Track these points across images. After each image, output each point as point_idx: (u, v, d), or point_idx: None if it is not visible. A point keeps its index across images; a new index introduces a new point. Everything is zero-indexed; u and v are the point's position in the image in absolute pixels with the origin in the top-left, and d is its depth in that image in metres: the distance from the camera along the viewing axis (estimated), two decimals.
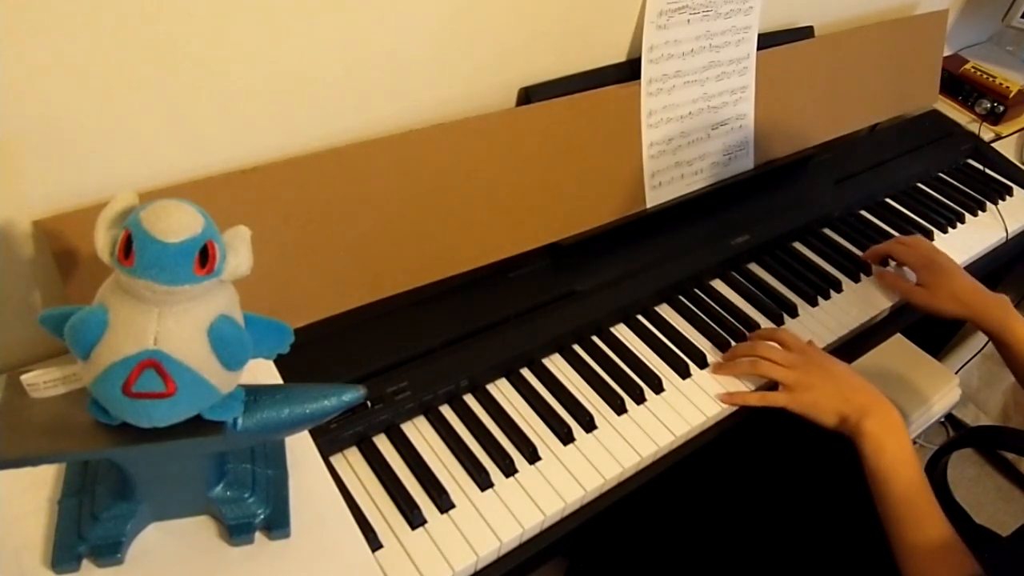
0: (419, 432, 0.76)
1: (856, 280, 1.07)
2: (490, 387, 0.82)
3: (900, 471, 0.73)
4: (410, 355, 0.79)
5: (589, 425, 0.80)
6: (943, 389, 1.37)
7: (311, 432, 0.67)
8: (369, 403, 0.74)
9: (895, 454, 0.74)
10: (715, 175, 1.09)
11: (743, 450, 1.00)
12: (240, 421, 0.51)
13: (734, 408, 0.85)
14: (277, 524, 0.59)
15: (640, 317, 0.94)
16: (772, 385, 0.85)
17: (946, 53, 1.49)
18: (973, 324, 0.97)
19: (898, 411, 0.78)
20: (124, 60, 0.61)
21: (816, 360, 0.84)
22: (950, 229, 1.21)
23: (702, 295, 0.99)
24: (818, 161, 1.21)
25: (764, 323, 0.96)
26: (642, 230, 1.00)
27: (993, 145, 1.42)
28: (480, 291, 0.87)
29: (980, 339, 1.75)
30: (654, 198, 1.01)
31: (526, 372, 0.84)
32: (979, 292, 0.96)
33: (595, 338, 0.90)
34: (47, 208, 0.63)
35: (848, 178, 1.23)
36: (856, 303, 1.03)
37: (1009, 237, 1.23)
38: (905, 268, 1.06)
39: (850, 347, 1.01)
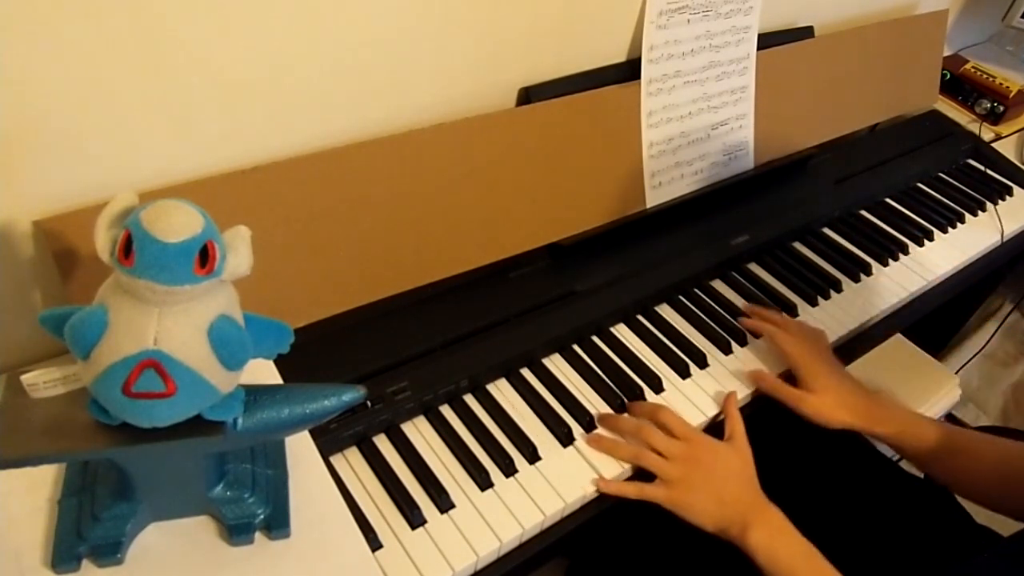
0: (419, 432, 0.76)
1: (856, 280, 1.07)
2: (490, 387, 0.82)
3: (803, 568, 0.71)
4: (410, 355, 0.79)
5: (589, 425, 0.80)
6: (943, 389, 1.37)
7: (311, 432, 0.67)
8: (369, 403, 0.74)
9: (789, 553, 0.71)
10: (715, 175, 1.09)
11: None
12: (240, 421, 0.51)
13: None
14: (277, 524, 0.59)
15: (640, 317, 0.94)
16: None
17: (946, 53, 1.49)
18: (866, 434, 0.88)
19: (779, 510, 0.74)
20: (124, 60, 0.61)
21: (700, 454, 0.77)
22: (950, 229, 1.21)
23: (702, 295, 0.99)
24: (818, 161, 1.21)
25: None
26: (642, 230, 1.00)
27: (993, 145, 1.42)
28: (480, 291, 0.87)
29: (980, 339, 1.75)
30: (654, 198, 1.01)
31: (526, 372, 0.84)
32: (870, 405, 0.86)
33: (595, 338, 0.90)
34: (47, 208, 0.63)
35: (848, 178, 1.23)
36: (856, 303, 1.03)
37: (1006, 239, 1.23)
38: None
39: (850, 347, 1.01)
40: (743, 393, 0.87)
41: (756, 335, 0.94)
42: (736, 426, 0.81)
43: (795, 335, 0.89)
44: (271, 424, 0.53)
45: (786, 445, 1.01)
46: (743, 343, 0.93)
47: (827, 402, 0.84)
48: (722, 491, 0.75)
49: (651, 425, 0.79)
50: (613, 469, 0.76)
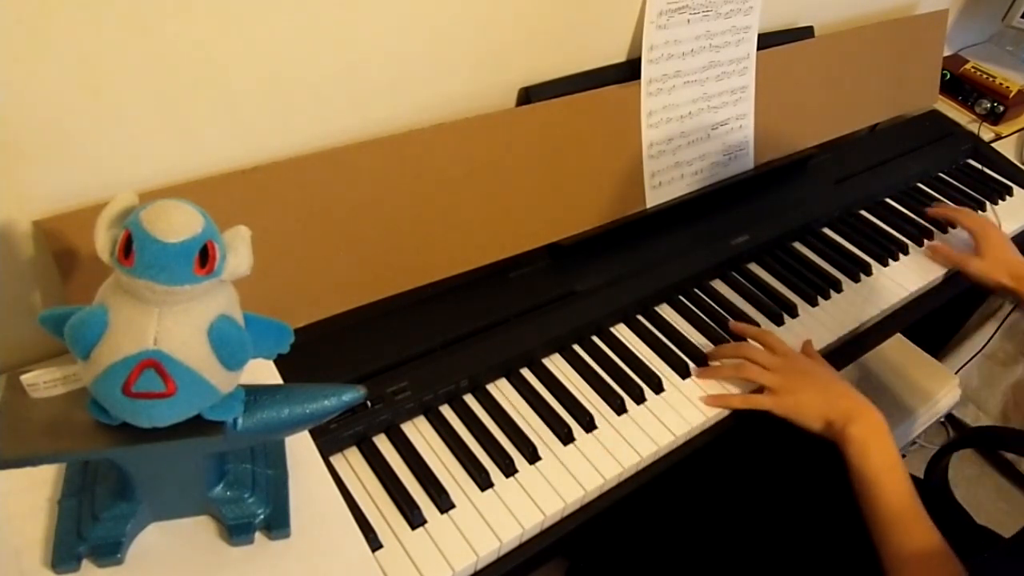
0: (419, 432, 0.76)
1: (856, 280, 1.07)
2: (490, 387, 0.82)
3: (886, 476, 0.73)
4: (410, 355, 0.79)
5: (589, 425, 0.80)
6: (943, 389, 1.37)
7: (311, 432, 0.67)
8: (369, 403, 0.74)
9: (881, 458, 0.74)
10: (715, 175, 1.09)
11: (743, 450, 1.00)
12: (240, 421, 0.51)
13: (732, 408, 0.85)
14: (277, 524, 0.59)
15: (640, 317, 0.94)
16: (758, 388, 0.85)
17: (946, 53, 1.49)
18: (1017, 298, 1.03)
19: (882, 416, 0.77)
20: (124, 60, 0.61)
21: (801, 364, 0.84)
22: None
23: (702, 295, 0.99)
24: (818, 161, 1.21)
25: (764, 323, 0.96)
26: (642, 230, 1.00)
27: (993, 145, 1.42)
28: (480, 291, 0.87)
29: (980, 339, 1.75)
30: (654, 198, 1.01)
31: (526, 372, 0.84)
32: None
33: (595, 338, 0.90)
34: (47, 208, 0.63)
35: (848, 178, 1.23)
36: (856, 303, 1.03)
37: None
38: (960, 236, 1.15)
39: (850, 347, 1.01)
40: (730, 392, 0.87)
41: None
42: (816, 355, 0.88)
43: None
44: (271, 424, 0.53)
45: (786, 446, 1.01)
46: (734, 332, 0.93)
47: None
48: (827, 389, 0.80)
49: (750, 344, 0.87)
50: (614, 467, 0.76)
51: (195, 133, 0.68)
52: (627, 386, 0.84)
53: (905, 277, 1.09)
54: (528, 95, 0.89)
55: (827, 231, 1.15)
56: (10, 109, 0.58)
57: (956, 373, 1.45)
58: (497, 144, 0.85)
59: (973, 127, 1.44)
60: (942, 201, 1.26)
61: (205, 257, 0.45)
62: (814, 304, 1.02)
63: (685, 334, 0.92)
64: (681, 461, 0.82)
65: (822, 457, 0.99)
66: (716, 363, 0.88)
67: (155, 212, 0.44)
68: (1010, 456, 1.85)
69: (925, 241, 1.15)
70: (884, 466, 0.73)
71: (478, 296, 0.86)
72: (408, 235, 0.81)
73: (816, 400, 0.79)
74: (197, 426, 0.50)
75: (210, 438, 0.51)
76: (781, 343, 0.87)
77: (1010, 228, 1.24)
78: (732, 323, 0.93)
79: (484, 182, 0.85)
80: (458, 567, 0.66)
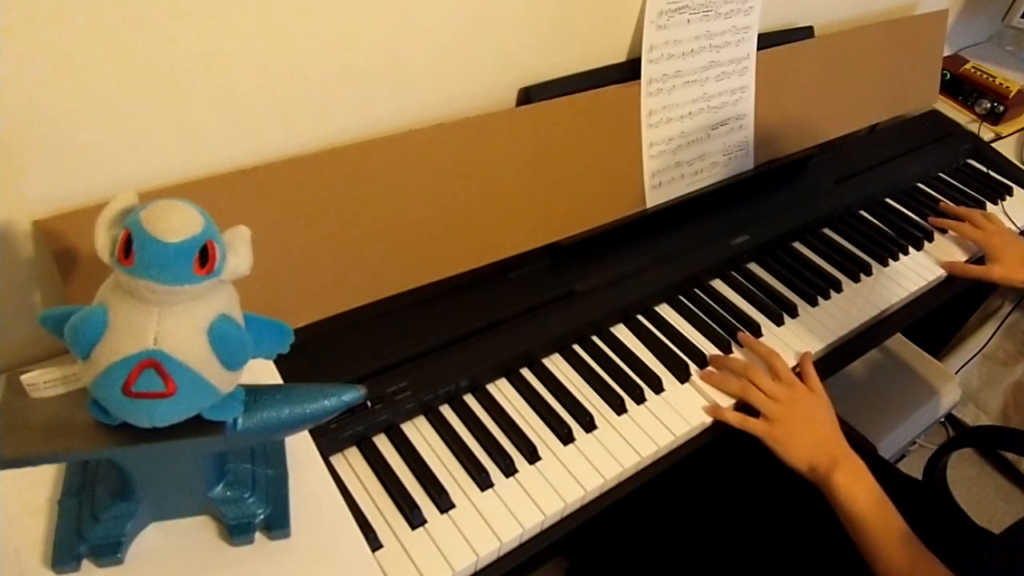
0: (419, 432, 0.76)
1: (856, 280, 1.07)
2: (490, 387, 0.82)
3: (874, 512, 0.76)
4: (410, 355, 0.79)
5: (589, 425, 0.80)
6: (943, 389, 1.37)
7: (311, 432, 0.67)
8: (369, 403, 0.74)
9: (867, 498, 0.77)
10: (715, 175, 1.09)
11: (743, 450, 1.00)
12: (240, 421, 0.51)
13: (734, 408, 0.85)
14: (277, 524, 0.59)
15: (640, 317, 0.94)
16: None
17: (946, 53, 1.49)
18: None
19: (861, 461, 0.80)
20: (124, 60, 0.61)
21: (801, 400, 0.85)
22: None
23: (702, 295, 0.99)
24: (818, 161, 1.21)
25: (764, 323, 0.96)
26: (642, 230, 1.00)
27: (993, 145, 1.42)
28: (480, 291, 0.87)
29: (980, 339, 1.75)
30: (654, 198, 1.01)
31: (526, 372, 0.84)
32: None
33: (595, 338, 0.90)
34: (47, 208, 0.63)
35: (848, 178, 1.23)
36: (856, 303, 1.03)
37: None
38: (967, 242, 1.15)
39: (850, 347, 1.01)
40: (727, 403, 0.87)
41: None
42: (816, 383, 0.88)
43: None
44: (271, 424, 0.53)
45: None
46: (742, 344, 0.93)
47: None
48: (817, 434, 0.82)
49: (757, 365, 0.87)
50: (614, 467, 0.76)
51: (195, 133, 0.68)
52: (627, 386, 0.84)
53: (905, 277, 1.09)
54: (528, 95, 0.89)
55: (827, 231, 1.15)
56: (10, 109, 0.58)
57: (956, 373, 1.45)
58: (497, 144, 0.85)
59: (973, 127, 1.44)
60: (943, 200, 1.26)
61: (205, 257, 0.45)
62: (814, 304, 1.02)
63: (685, 334, 0.92)
64: (681, 461, 0.82)
65: None
66: (721, 373, 0.88)
67: (155, 212, 0.44)
68: (1010, 456, 1.85)
69: (938, 258, 1.14)
70: (870, 503, 0.76)
71: (478, 296, 0.86)
72: (408, 235, 0.81)
73: (805, 442, 0.81)
74: (197, 426, 0.50)
75: (210, 438, 0.51)
76: (787, 371, 0.87)
77: (1010, 228, 1.24)
78: (742, 335, 0.93)
79: (484, 182, 0.85)
80: (458, 567, 0.66)
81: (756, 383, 0.85)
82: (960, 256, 1.15)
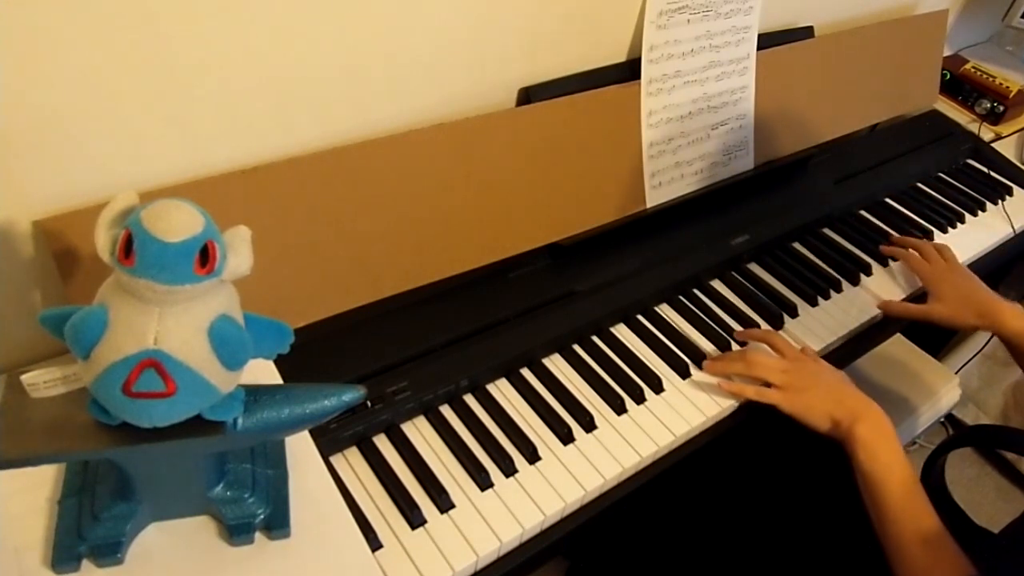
0: (419, 432, 0.76)
1: (856, 281, 1.07)
2: (490, 387, 0.82)
3: (894, 474, 0.74)
4: (410, 355, 0.79)
5: (589, 425, 0.80)
6: (943, 389, 1.37)
7: (311, 432, 0.67)
8: (369, 403, 0.74)
9: (888, 457, 0.75)
10: (715, 175, 1.09)
11: (743, 450, 1.00)
12: (240, 421, 0.51)
13: (734, 408, 0.85)
14: (277, 524, 0.59)
15: (640, 317, 0.94)
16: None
17: (946, 53, 1.49)
18: (993, 333, 0.98)
19: (887, 417, 0.79)
20: (124, 60, 0.61)
21: (809, 365, 0.85)
22: (950, 229, 1.21)
23: (702, 295, 0.99)
24: (818, 161, 1.21)
25: (764, 324, 0.96)
26: (642, 230, 1.00)
27: (993, 145, 1.42)
28: (480, 291, 0.87)
29: (980, 339, 1.75)
30: (654, 198, 1.01)
31: (526, 372, 0.84)
32: (995, 302, 0.96)
33: (595, 338, 0.90)
34: (47, 208, 0.63)
35: (848, 178, 1.23)
36: (856, 303, 1.03)
37: (1011, 235, 1.23)
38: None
39: (850, 347, 1.01)
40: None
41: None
42: (818, 358, 0.88)
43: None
44: (271, 424, 0.53)
45: (786, 446, 1.01)
46: (742, 344, 0.93)
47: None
48: (834, 390, 0.82)
49: (756, 348, 0.88)
50: (614, 467, 0.76)
51: (195, 133, 0.68)
52: (627, 386, 0.84)
53: (905, 277, 1.09)
54: (528, 95, 0.89)
55: (827, 231, 1.15)
56: (10, 109, 0.58)
57: (956, 373, 1.44)
58: (497, 144, 0.85)
59: (973, 127, 1.44)
60: (942, 199, 1.26)
61: (205, 257, 0.45)
62: (814, 304, 1.02)
63: (685, 334, 0.92)
64: (681, 461, 0.82)
65: (822, 457, 1.00)
66: (724, 356, 0.88)
67: (155, 212, 0.44)
68: (1010, 456, 1.85)
69: (883, 304, 1.03)
70: (891, 463, 0.75)
71: (478, 296, 0.86)
72: (408, 235, 0.81)
73: (824, 399, 0.80)
74: (197, 426, 0.50)
75: (210, 438, 0.51)
76: (788, 344, 0.88)
77: (1010, 228, 1.24)
78: (738, 331, 0.93)
79: (484, 182, 0.85)
80: (458, 567, 0.66)
81: (759, 360, 0.85)
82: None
